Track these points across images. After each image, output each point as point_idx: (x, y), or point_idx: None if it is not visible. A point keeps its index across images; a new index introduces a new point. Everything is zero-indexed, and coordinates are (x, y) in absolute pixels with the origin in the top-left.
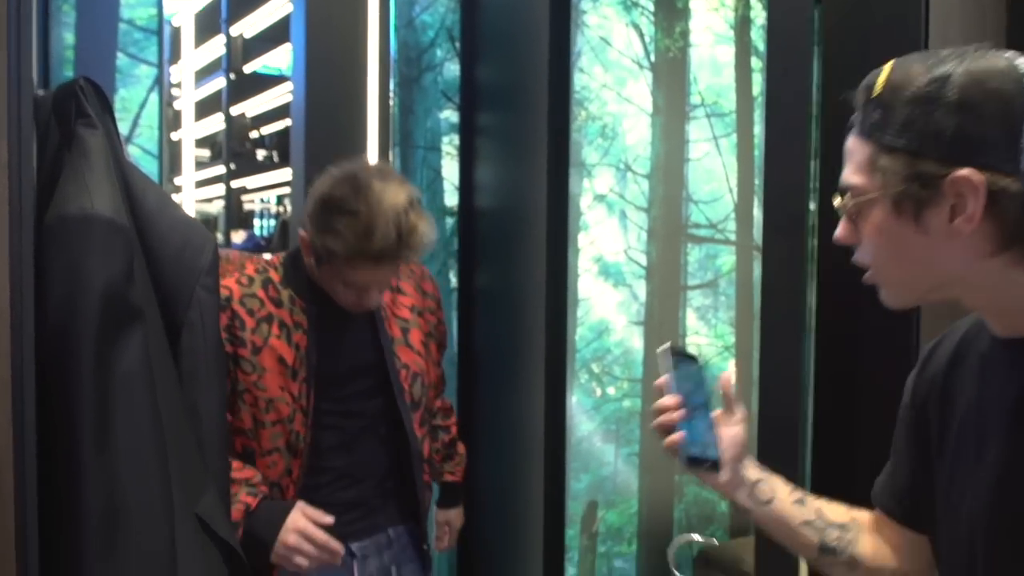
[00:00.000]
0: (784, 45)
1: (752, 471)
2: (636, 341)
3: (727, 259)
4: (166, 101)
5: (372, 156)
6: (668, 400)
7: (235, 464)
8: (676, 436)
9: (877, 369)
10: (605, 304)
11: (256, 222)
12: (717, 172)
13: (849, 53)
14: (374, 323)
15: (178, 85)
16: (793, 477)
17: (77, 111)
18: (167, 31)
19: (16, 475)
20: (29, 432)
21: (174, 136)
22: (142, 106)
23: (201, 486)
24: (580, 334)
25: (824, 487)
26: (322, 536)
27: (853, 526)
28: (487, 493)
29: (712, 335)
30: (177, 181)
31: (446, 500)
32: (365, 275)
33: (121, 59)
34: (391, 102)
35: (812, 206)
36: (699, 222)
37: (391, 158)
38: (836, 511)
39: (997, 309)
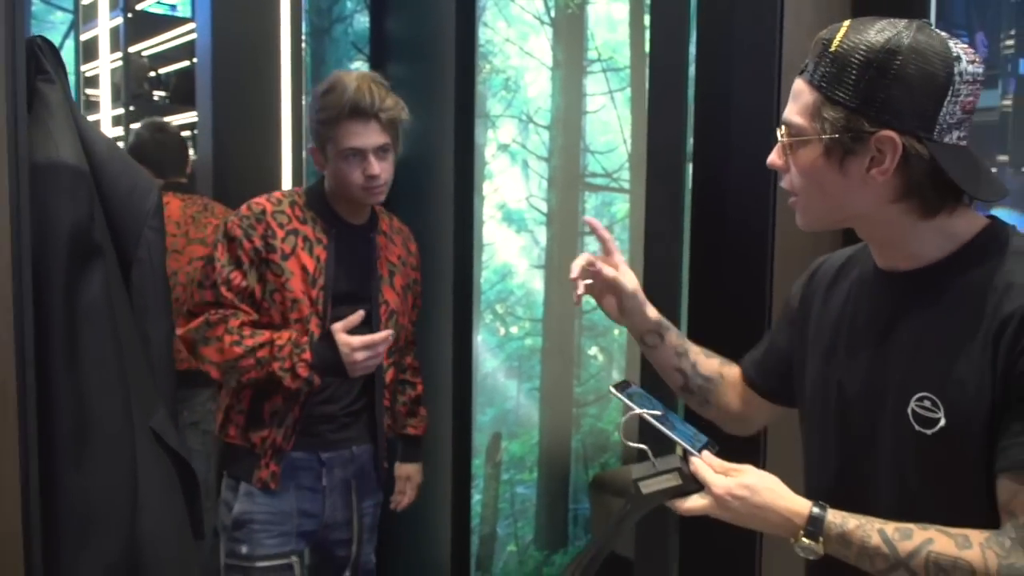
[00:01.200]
0: (665, 23)
1: (652, 313)
2: (537, 283)
3: (621, 206)
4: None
5: (285, 103)
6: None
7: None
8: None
9: (738, 293)
10: (508, 249)
11: None
12: (612, 124)
13: (720, 26)
14: (374, 254)
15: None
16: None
17: (37, 68)
18: None
19: (18, 391)
20: (28, 347)
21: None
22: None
23: (154, 404)
24: (485, 277)
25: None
26: (368, 338)
27: (718, 379)
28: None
29: None
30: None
31: (407, 454)
32: (358, 137)
33: (36, 5)
34: (303, 51)
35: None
36: (596, 171)
37: (304, 105)
38: (709, 365)
39: (884, 244)
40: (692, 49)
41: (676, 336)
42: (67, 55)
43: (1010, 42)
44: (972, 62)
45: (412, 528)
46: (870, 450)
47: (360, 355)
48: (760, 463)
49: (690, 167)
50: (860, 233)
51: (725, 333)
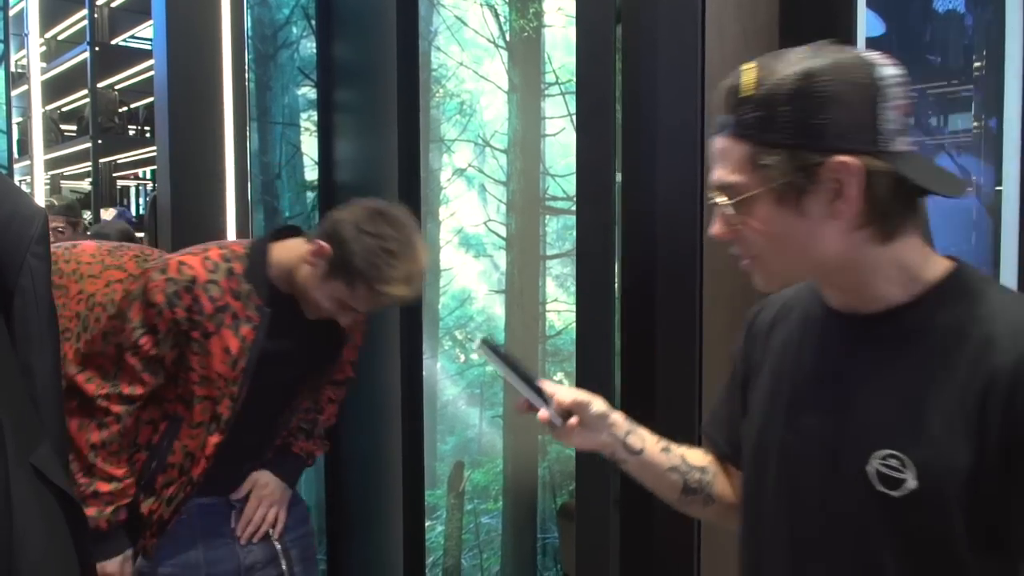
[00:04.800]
0: (591, 50)
1: (621, 425)
2: (498, 309)
3: None
4: (17, 76)
5: (228, 132)
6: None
7: (114, 470)
8: (544, 413)
9: (670, 313)
10: (467, 274)
11: (132, 199)
12: (572, 147)
13: (644, 51)
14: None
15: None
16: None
17: None
18: (20, 6)
19: None
20: None
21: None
22: None
23: (36, 438)
24: (443, 303)
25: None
26: None
27: (711, 468)
28: (350, 459)
29: (570, 302)
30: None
31: (273, 463)
32: (372, 307)
33: None
34: (247, 78)
35: (618, 177)
36: (556, 194)
37: (248, 133)
38: (696, 456)
39: (846, 285)
40: (616, 86)
41: (649, 432)
42: None
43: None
44: (889, 64)
45: (365, 562)
46: (816, 523)
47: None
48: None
49: (618, 188)
50: (820, 278)
51: (659, 357)
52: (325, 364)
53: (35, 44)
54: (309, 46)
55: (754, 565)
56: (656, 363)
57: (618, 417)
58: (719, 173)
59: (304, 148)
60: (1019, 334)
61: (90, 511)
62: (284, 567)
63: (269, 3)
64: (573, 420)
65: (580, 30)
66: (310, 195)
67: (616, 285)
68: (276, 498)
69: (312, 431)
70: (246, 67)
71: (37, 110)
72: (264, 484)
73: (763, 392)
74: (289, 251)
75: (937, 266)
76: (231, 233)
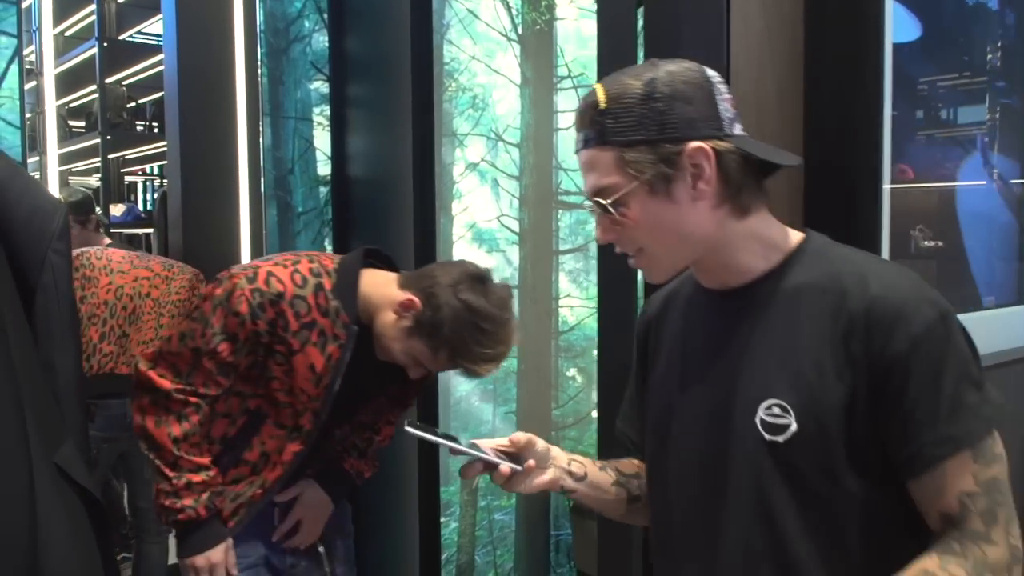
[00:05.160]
0: (612, 43)
1: (561, 457)
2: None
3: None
4: (27, 71)
5: (241, 127)
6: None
7: (201, 460)
8: (505, 467)
9: None
10: None
11: (140, 195)
12: None
13: (666, 43)
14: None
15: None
16: None
17: None
18: (29, 1)
19: None
20: None
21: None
22: (2, 77)
23: (59, 436)
24: None
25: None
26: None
27: (642, 471)
28: None
29: (584, 297)
30: (46, 152)
31: (330, 481)
32: (445, 369)
33: None
34: (259, 72)
35: None
36: (569, 189)
37: (260, 128)
38: (627, 465)
39: (714, 264)
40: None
41: (582, 456)
42: (12, 80)
43: None
44: (708, 67)
45: (380, 558)
46: (720, 477)
47: (203, 563)
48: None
49: None
50: (696, 262)
51: None
52: (396, 389)
53: (48, 38)
54: (322, 40)
55: (666, 524)
56: None
57: (556, 449)
58: (592, 181)
59: (317, 143)
60: (864, 282)
61: (187, 501)
62: (327, 569)
63: None
64: (530, 462)
65: (601, 26)
66: (323, 190)
67: (639, 276)
68: (321, 514)
69: (365, 450)
70: (258, 61)
71: (51, 105)
72: (311, 501)
73: (659, 373)
74: (379, 288)
75: (791, 236)
76: (244, 228)
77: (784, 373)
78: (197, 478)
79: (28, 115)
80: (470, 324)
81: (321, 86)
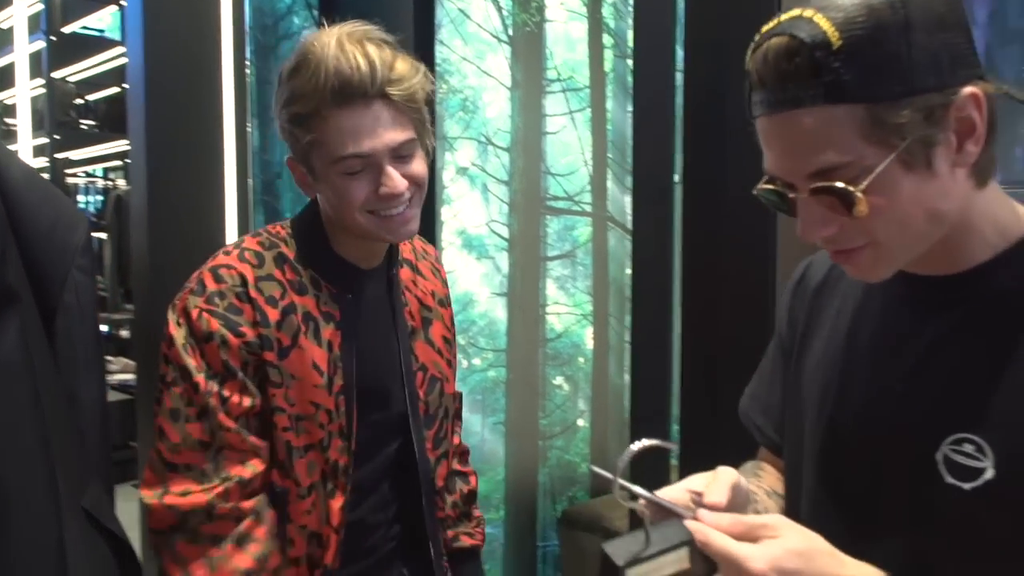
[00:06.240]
0: (649, 29)
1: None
2: (500, 312)
3: (584, 230)
4: None
5: (229, 128)
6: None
7: (227, 548)
8: None
9: (737, 324)
10: (469, 276)
11: (80, 197)
12: (573, 145)
13: (709, 33)
14: (397, 303)
15: None
16: (664, 434)
17: None
18: None
19: None
20: None
21: None
22: None
23: (86, 477)
24: None
25: (691, 436)
26: None
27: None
28: None
29: (571, 304)
30: None
31: (463, 574)
32: (358, 136)
33: None
34: (247, 72)
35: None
36: (557, 194)
37: (249, 130)
38: (772, 478)
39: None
40: (679, 54)
41: (756, 486)
42: None
43: None
44: None
45: None
46: (874, 514)
47: None
48: None
49: (678, 187)
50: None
51: (722, 367)
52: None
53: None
54: None
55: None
56: (720, 381)
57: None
58: (814, 159)
59: None
60: None
61: None
62: None
63: None
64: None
65: (638, 22)
66: None
67: (675, 286)
68: None
69: (469, 510)
70: (247, 61)
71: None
72: None
73: (812, 364)
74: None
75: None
76: (231, 236)
77: (986, 402)
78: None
79: None
80: (282, 88)
81: None
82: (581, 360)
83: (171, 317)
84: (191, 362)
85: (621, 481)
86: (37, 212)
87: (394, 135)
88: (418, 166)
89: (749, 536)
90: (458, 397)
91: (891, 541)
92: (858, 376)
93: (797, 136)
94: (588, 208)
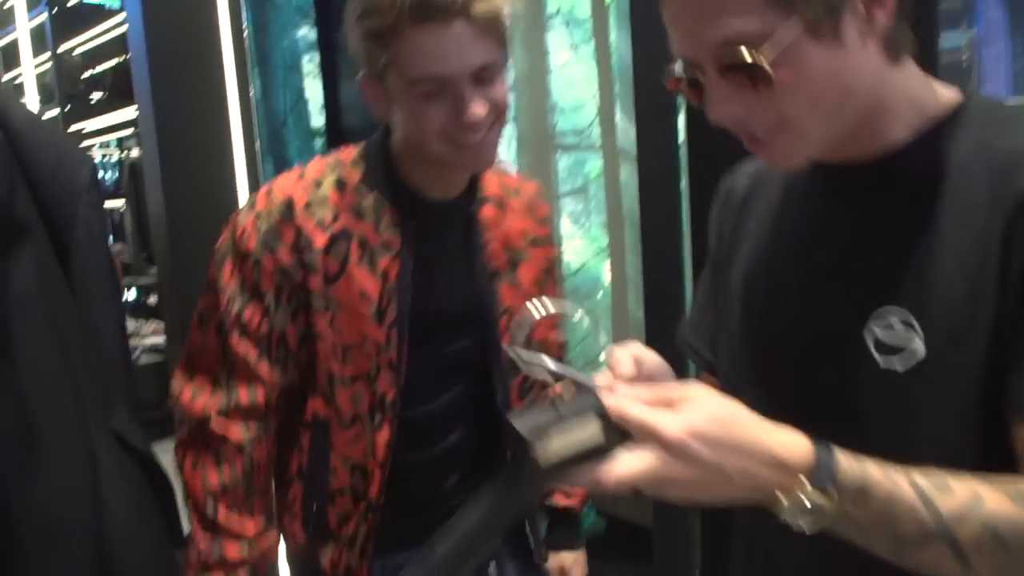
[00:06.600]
0: None
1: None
2: None
3: (595, 165)
4: None
5: (231, 80)
6: None
7: (243, 524)
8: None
9: None
10: None
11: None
12: (578, 80)
13: None
14: (477, 243)
15: None
16: (681, 364)
17: None
18: None
19: None
20: None
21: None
22: None
23: (111, 401)
24: None
25: None
26: None
27: None
28: None
29: (586, 238)
30: None
31: (559, 537)
32: (438, 56)
33: None
34: (243, 21)
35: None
36: (565, 130)
37: (250, 80)
38: None
39: (851, 126)
40: None
41: None
42: None
43: None
44: None
45: None
46: (809, 408)
47: None
48: None
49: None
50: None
51: None
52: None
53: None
54: None
55: None
56: None
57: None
58: (719, 28)
59: (308, 94)
60: None
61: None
62: None
63: None
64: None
65: None
66: (319, 141)
67: (683, 213)
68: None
69: None
70: (242, 10)
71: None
72: (563, 570)
73: (739, 270)
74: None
75: (942, 95)
76: (241, 188)
77: (912, 276)
78: (234, 550)
79: None
80: (352, 16)
81: (308, 32)
82: (600, 294)
83: (227, 227)
84: (223, 276)
85: (520, 351)
86: (41, 150)
87: (476, 56)
88: (500, 90)
89: (666, 405)
90: (561, 346)
91: (826, 434)
92: (782, 270)
93: (690, 10)
94: (598, 143)
